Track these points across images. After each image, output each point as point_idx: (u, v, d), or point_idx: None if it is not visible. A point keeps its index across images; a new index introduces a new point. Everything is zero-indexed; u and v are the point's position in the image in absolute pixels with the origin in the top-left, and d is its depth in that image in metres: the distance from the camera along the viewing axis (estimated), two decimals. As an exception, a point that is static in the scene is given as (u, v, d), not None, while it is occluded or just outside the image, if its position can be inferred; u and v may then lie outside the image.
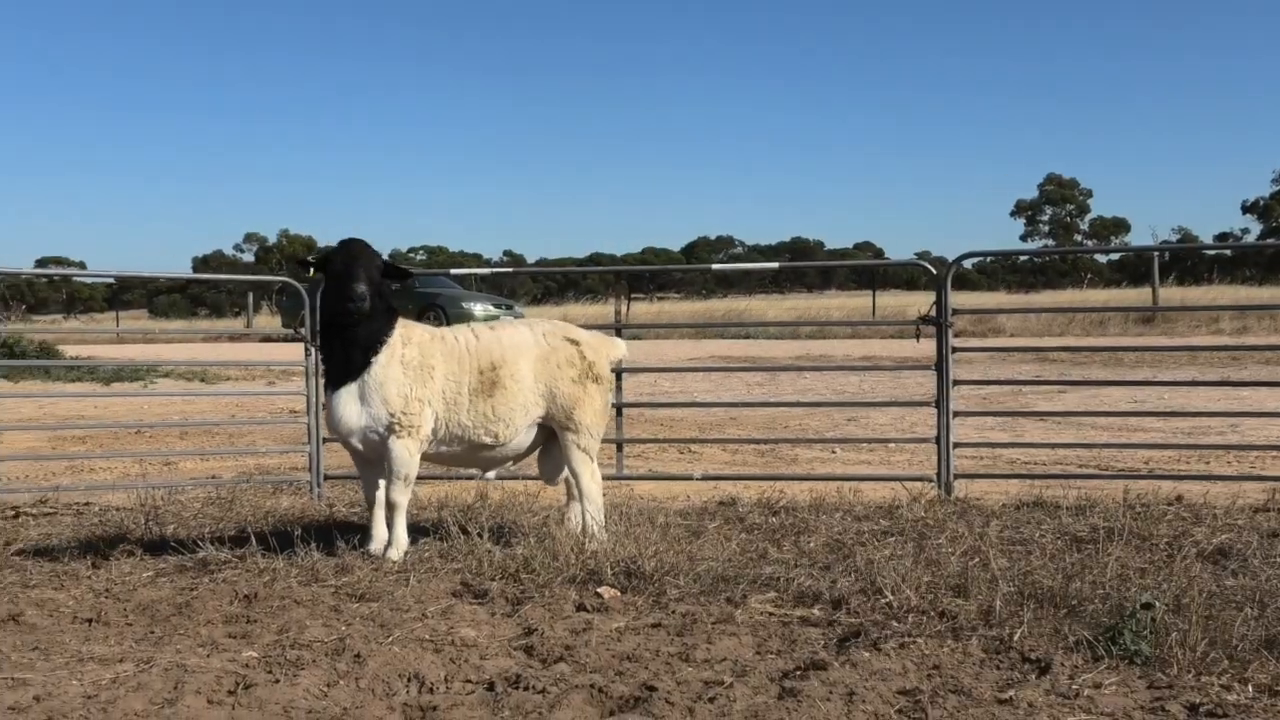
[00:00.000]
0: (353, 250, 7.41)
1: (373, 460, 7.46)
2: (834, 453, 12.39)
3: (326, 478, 9.97)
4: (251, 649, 5.45)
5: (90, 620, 6.08)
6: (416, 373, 7.31)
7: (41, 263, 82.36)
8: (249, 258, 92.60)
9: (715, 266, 11.69)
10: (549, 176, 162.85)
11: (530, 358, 7.60)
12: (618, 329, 10.15)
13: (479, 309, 35.51)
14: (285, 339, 10.71)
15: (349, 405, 7.30)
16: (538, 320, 8.02)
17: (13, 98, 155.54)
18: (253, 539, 7.51)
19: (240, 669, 5.09)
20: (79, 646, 5.56)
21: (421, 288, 36.67)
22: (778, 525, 8.23)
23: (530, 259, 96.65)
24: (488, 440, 7.52)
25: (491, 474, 8.34)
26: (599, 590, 6.36)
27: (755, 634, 5.61)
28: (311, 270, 7.59)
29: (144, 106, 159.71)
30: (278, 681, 4.92)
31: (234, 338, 41.52)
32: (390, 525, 7.40)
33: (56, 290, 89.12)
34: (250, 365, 13.08)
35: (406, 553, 7.27)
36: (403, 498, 7.38)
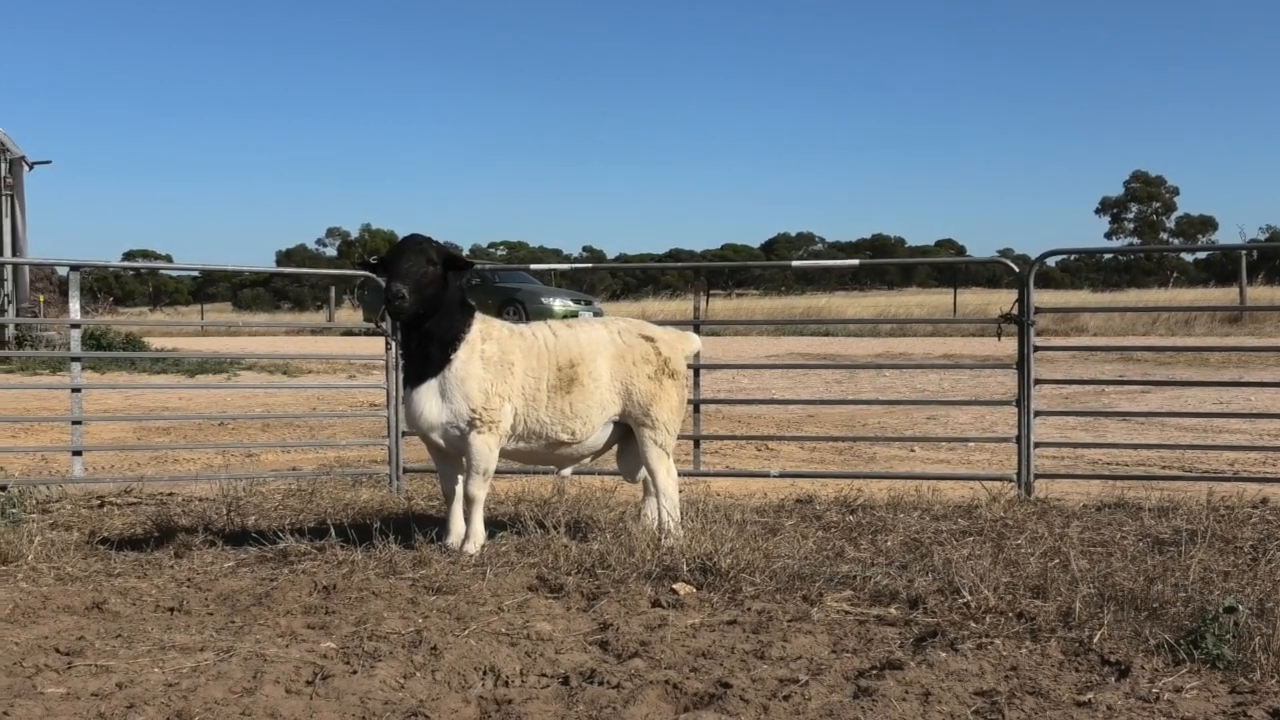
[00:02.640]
0: (401, 247, 7.39)
1: (451, 455, 7.48)
2: (913, 451, 12.30)
3: (405, 471, 10.04)
4: (330, 640, 5.50)
5: (172, 609, 6.16)
6: (497, 368, 7.31)
7: (129, 256, 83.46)
8: (331, 252, 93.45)
9: (795, 263, 11.64)
10: (630, 173, 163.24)
11: (607, 355, 7.60)
12: (696, 325, 10.14)
13: (558, 304, 35.63)
14: (366, 333, 10.85)
15: (430, 401, 7.29)
16: (613, 318, 8.04)
17: (102, 94, 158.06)
18: (332, 531, 7.58)
19: (318, 659, 5.14)
20: (161, 635, 5.63)
21: (501, 283, 36.86)
22: (855, 523, 8.19)
23: (610, 255, 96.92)
24: (565, 437, 7.51)
25: (568, 470, 8.32)
26: (675, 586, 6.36)
27: (831, 632, 5.58)
28: (375, 270, 7.65)
29: (229, 103, 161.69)
30: (355, 672, 4.96)
31: (316, 331, 41.91)
32: (468, 519, 7.40)
33: (143, 283, 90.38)
34: (332, 359, 13.19)
35: (483, 547, 7.30)
36: (481, 492, 7.38)
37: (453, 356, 7.28)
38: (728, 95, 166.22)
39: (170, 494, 9.67)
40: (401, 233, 8.68)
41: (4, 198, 25.01)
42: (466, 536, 7.36)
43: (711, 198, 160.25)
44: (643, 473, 7.86)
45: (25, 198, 25.50)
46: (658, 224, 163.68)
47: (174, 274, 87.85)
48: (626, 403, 7.62)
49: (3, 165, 25.15)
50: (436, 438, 7.38)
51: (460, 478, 7.49)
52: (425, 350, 7.33)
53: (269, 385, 19.07)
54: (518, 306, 35.23)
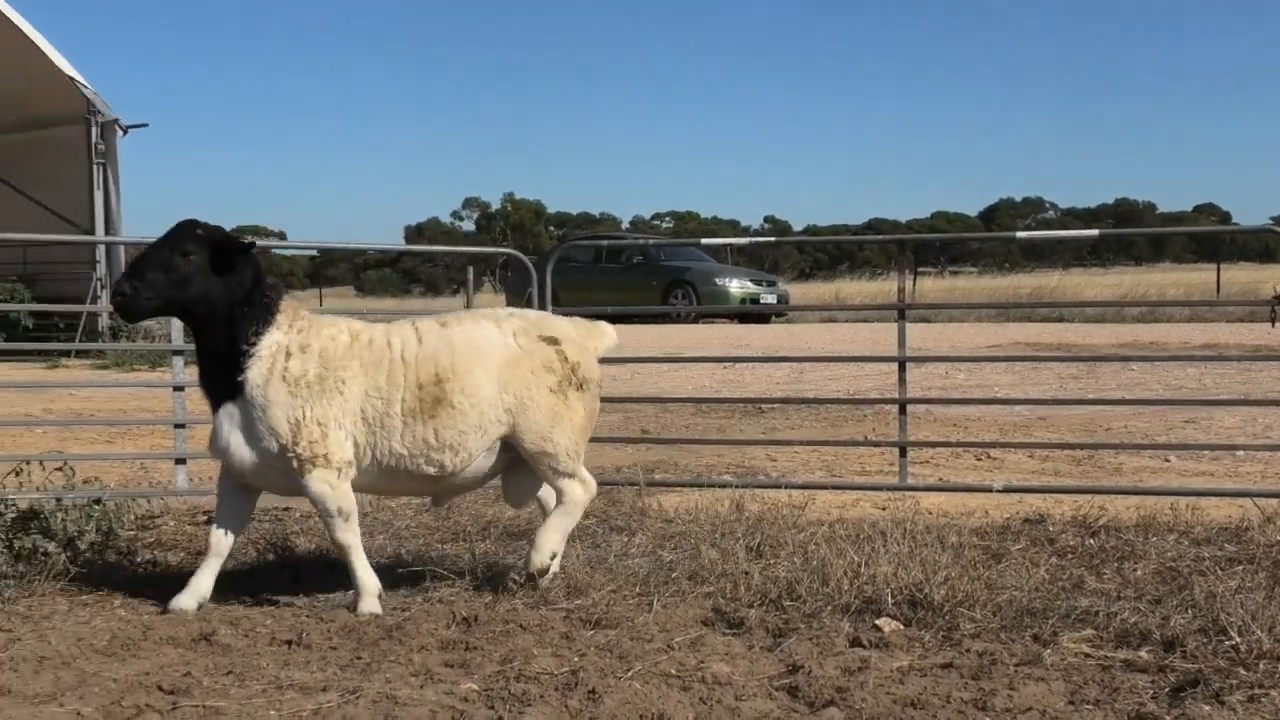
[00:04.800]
0: (161, 236, 6.95)
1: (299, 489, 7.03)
2: (1168, 461, 12.08)
3: (557, 483, 10.12)
4: (471, 680, 5.58)
5: (290, 642, 6.30)
6: (313, 390, 6.81)
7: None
8: (469, 226, 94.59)
9: (1020, 235, 11.50)
10: (819, 130, 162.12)
11: (493, 364, 7.08)
12: (901, 309, 10.08)
13: (734, 286, 35.67)
14: (510, 320, 10.88)
15: (231, 437, 6.88)
16: (506, 312, 7.54)
17: (206, 51, 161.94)
18: (473, 553, 7.67)
19: (458, 703, 5.22)
20: (277, 672, 5.76)
21: (667, 261, 36.95)
22: (1096, 548, 8.08)
23: (796, 227, 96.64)
24: (430, 471, 7.05)
25: (444, 507, 8.10)
26: (878, 622, 6.34)
27: (1068, 679, 5.52)
28: None
29: (349, 61, 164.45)
30: (500, 719, 5.02)
31: (451, 319, 42.44)
32: (350, 571, 6.99)
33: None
34: (470, 351, 13.38)
35: (650, 576, 7.30)
36: (350, 536, 6.95)
37: (240, 380, 6.82)
38: (933, 36, 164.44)
39: (286, 509, 9.87)
40: (549, 203, 8.68)
41: (95, 167, 25.74)
42: (358, 595, 6.96)
43: (919, 158, 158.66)
44: (545, 493, 7.58)
45: (119, 167, 26.23)
46: (854, 189, 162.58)
47: (288, 253, 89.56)
48: (518, 423, 7.12)
49: (94, 130, 25.87)
50: (252, 481, 7.04)
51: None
52: (209, 370, 6.95)
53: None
54: (687, 289, 35.34)
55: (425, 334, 7.12)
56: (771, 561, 7.39)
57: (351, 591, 6.97)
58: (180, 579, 7.45)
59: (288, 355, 6.84)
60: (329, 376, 6.85)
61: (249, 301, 6.90)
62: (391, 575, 7.53)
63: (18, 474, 8.51)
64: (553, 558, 7.18)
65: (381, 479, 7.10)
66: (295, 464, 6.79)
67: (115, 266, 25.72)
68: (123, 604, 7.04)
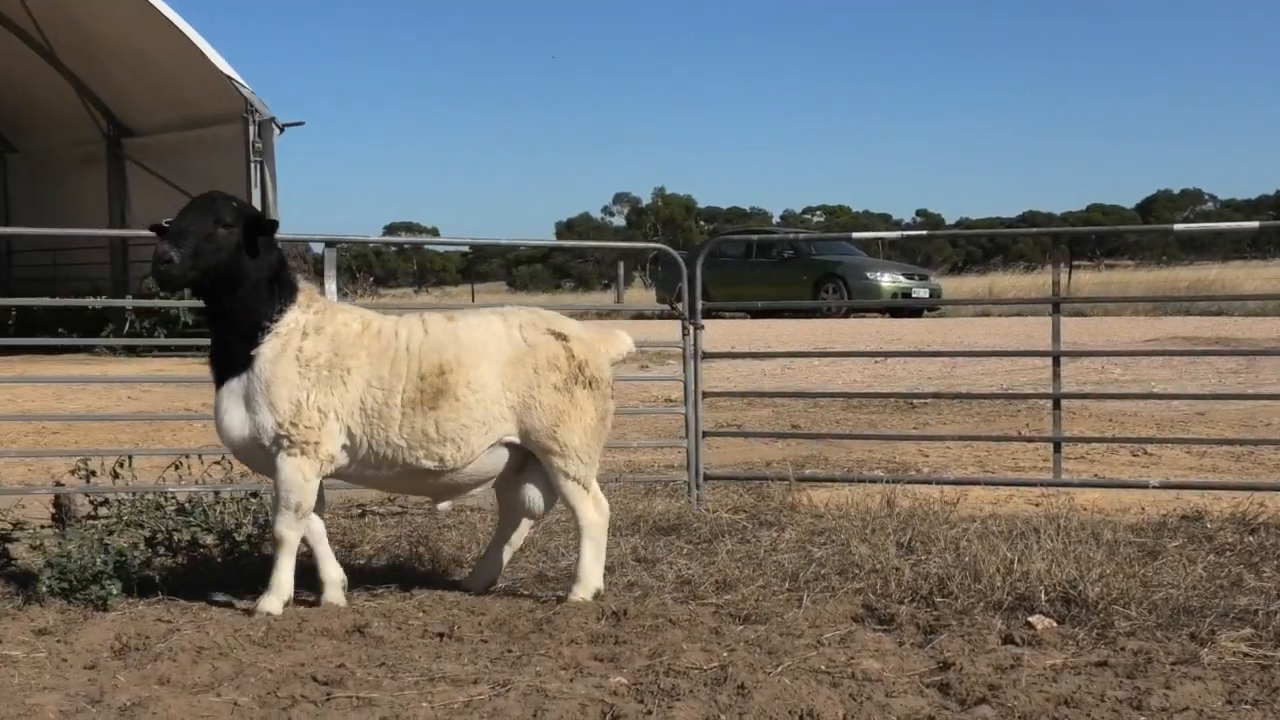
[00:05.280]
0: (187, 205, 6.96)
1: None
2: (1330, 458, 11.82)
3: (707, 478, 10.12)
4: (620, 674, 5.61)
5: (441, 635, 6.38)
6: (321, 375, 6.81)
7: (391, 230, 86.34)
8: (619, 222, 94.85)
9: (1178, 227, 11.34)
10: (972, 123, 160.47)
11: (498, 358, 7.02)
12: (1056, 303, 9.96)
13: (886, 279, 35.43)
14: (660, 315, 10.92)
15: (231, 408, 6.87)
16: (514, 308, 7.48)
17: (360, 49, 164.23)
18: (622, 546, 7.70)
19: (607, 696, 5.25)
20: (429, 664, 5.84)
21: (818, 255, 36.81)
22: (1255, 546, 7.94)
23: (949, 219, 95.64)
24: (429, 465, 6.97)
25: (445, 505, 7.99)
26: (1030, 619, 6.29)
27: (1226, 679, 5.43)
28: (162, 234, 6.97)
29: (500, 58, 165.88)
30: (650, 713, 5.04)
31: (602, 314, 42.64)
32: (274, 564, 6.93)
33: (407, 260, 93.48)
34: (620, 346, 13.41)
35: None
36: (291, 533, 6.88)
37: (254, 353, 6.80)
38: (1089, 26, 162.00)
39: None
40: (699, 198, 8.64)
41: (252, 164, 26.12)
42: (267, 590, 6.88)
43: (1074, 150, 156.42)
44: (536, 505, 7.32)
45: (275, 164, 26.63)
46: (1008, 182, 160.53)
47: (441, 249, 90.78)
48: (524, 421, 7.02)
49: (251, 128, 26.26)
50: (241, 457, 7.09)
51: (322, 507, 7.24)
52: (223, 341, 6.94)
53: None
54: (838, 283, 35.16)
55: (431, 326, 7.10)
56: (923, 557, 7.36)
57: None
58: (334, 571, 7.57)
59: (303, 335, 6.87)
60: (338, 364, 6.84)
61: (277, 278, 6.96)
62: (539, 568, 7.59)
63: (176, 467, 8.69)
64: (597, 594, 7.04)
65: (379, 472, 7.06)
66: (283, 444, 6.77)
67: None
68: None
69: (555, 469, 7.07)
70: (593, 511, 7.15)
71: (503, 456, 7.12)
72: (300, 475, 6.78)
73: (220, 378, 6.90)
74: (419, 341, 6.98)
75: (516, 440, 7.07)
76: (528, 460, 7.18)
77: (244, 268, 6.83)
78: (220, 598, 7.08)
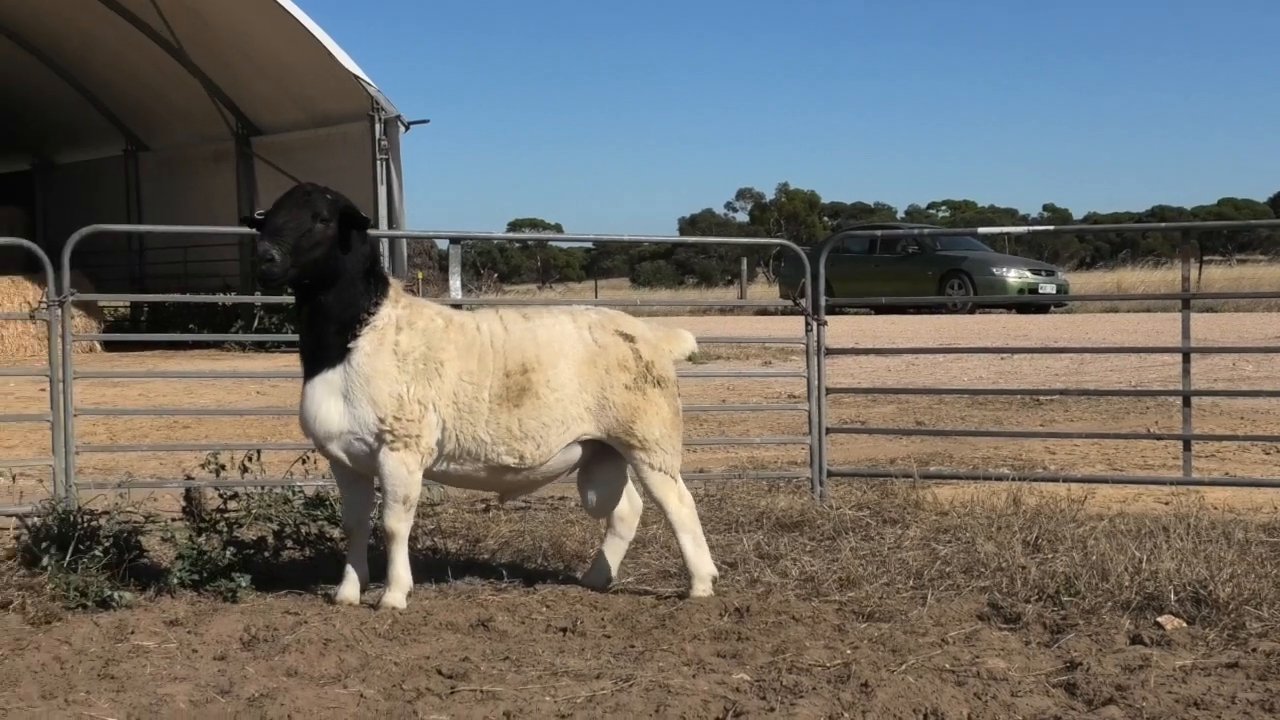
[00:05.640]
0: (282, 199, 6.91)
1: (358, 476, 7.13)
2: None
3: (830, 475, 10.09)
4: (743, 670, 5.61)
5: (565, 630, 6.41)
6: (418, 367, 6.85)
7: (514, 226, 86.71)
8: (743, 218, 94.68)
9: (1313, 221, 11.07)
10: (1100, 117, 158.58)
11: (574, 359, 7.08)
12: (1186, 299, 9.82)
13: (1012, 275, 35.13)
14: (784, 311, 10.89)
15: (326, 402, 6.86)
16: (581, 309, 7.51)
17: (484, 46, 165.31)
18: (744, 543, 7.70)
19: (729, 693, 5.25)
20: (552, 658, 5.87)
21: (943, 250, 36.56)
22: (1395, 546, 7.78)
23: (1076, 215, 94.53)
24: (510, 461, 7.03)
25: (511, 501, 7.94)
26: (1159, 619, 6.22)
27: (1363, 682, 5.33)
28: (256, 228, 7.02)
29: (623, 55, 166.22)
30: (772, 710, 5.04)
31: (725, 310, 42.63)
32: (389, 559, 6.99)
33: (530, 256, 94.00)
34: (743, 342, 13.44)
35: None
36: (402, 525, 6.96)
37: (353, 345, 6.83)
38: (1219, 17, 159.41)
39: (562, 498, 10.03)
40: (823, 193, 8.60)
41: (379, 163, 26.36)
42: (388, 585, 6.97)
43: (1205, 143, 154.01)
44: (623, 505, 7.44)
45: (401, 162, 26.85)
46: (1137, 176, 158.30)
47: (564, 246, 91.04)
48: (600, 419, 7.11)
49: (377, 126, 26.50)
50: (336, 450, 6.97)
51: (370, 505, 7.27)
52: (319, 334, 6.90)
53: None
54: (963, 279, 34.94)
55: (510, 324, 7.15)
56: (1049, 556, 7.29)
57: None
58: (458, 565, 7.64)
59: (398, 329, 6.89)
60: (431, 357, 6.88)
61: (371, 271, 6.97)
62: (661, 564, 7.61)
63: (304, 461, 8.79)
64: (714, 580, 7.10)
65: (460, 467, 7.09)
66: (386, 438, 6.80)
67: (398, 262, 26.35)
68: (404, 589, 7.23)
69: (639, 463, 7.16)
70: (678, 503, 7.20)
71: (574, 454, 7.20)
72: (405, 468, 6.84)
73: (312, 371, 6.91)
74: (501, 338, 7.05)
75: (598, 437, 7.15)
76: (606, 457, 7.28)
77: (341, 262, 6.84)
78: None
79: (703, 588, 6.99)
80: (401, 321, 6.91)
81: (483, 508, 9.58)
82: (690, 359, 8.29)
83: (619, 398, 7.07)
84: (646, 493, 7.31)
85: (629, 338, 7.23)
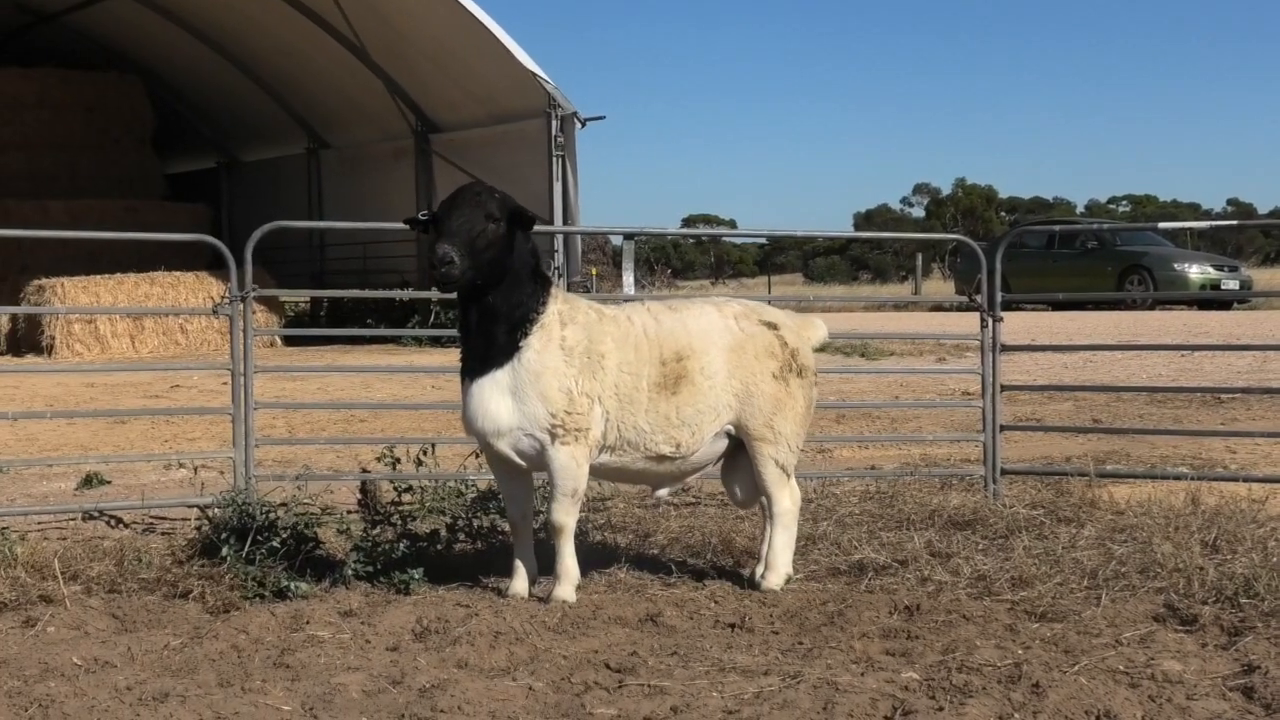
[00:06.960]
0: (452, 199, 6.90)
1: (521, 471, 7.16)
2: None
3: (1004, 473, 9.99)
4: (912, 669, 5.58)
5: (733, 625, 6.43)
6: (583, 361, 6.89)
7: (688, 222, 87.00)
8: (919, 213, 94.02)
9: None
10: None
11: (722, 346, 7.16)
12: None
13: (1194, 271, 34.51)
14: (958, 307, 10.81)
15: (495, 400, 6.86)
16: (723, 299, 7.60)
17: (660, 43, 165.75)
18: (916, 541, 7.65)
19: (898, 691, 5.23)
20: (720, 654, 5.89)
21: (1123, 245, 36.03)
22: None
23: (1262, 209, 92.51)
24: (667, 450, 7.10)
25: (664, 492, 7.85)
26: (1341, 623, 6.07)
27: None
28: (425, 228, 7.13)
29: (797, 50, 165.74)
30: (941, 709, 5.01)
31: (899, 306, 42.37)
32: (556, 553, 7.04)
33: (704, 252, 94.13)
34: (918, 338, 13.36)
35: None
36: (570, 518, 7.01)
37: (523, 343, 6.85)
38: None
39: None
40: (1001, 188, 8.51)
41: (555, 159, 26.55)
42: (557, 579, 7.03)
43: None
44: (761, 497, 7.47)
45: (577, 158, 27.02)
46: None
47: (737, 241, 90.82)
48: (744, 409, 7.17)
49: (554, 123, 26.67)
50: (503, 447, 6.96)
51: (532, 498, 7.32)
52: (488, 333, 6.91)
53: (844, 369, 19.37)
54: (1143, 274, 34.36)
55: (659, 315, 7.22)
56: (1228, 557, 7.17)
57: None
58: (627, 560, 7.68)
59: (562, 324, 6.93)
60: (593, 350, 6.93)
61: (537, 270, 7.02)
62: (831, 561, 7.59)
63: (477, 455, 8.89)
64: (788, 579, 7.20)
65: (619, 457, 7.12)
66: (557, 433, 6.84)
67: (573, 257, 26.52)
68: (573, 583, 7.28)
69: (764, 455, 7.24)
70: (788, 500, 7.31)
71: (721, 445, 7.32)
72: (574, 462, 6.90)
73: (478, 370, 6.93)
74: (654, 328, 7.12)
75: (732, 429, 7.24)
76: (736, 451, 7.38)
77: (510, 261, 6.88)
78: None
79: (777, 582, 7.13)
80: (565, 317, 6.97)
81: (652, 503, 9.62)
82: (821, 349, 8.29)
83: (766, 387, 7.17)
84: (760, 482, 7.33)
85: (773, 326, 7.32)
